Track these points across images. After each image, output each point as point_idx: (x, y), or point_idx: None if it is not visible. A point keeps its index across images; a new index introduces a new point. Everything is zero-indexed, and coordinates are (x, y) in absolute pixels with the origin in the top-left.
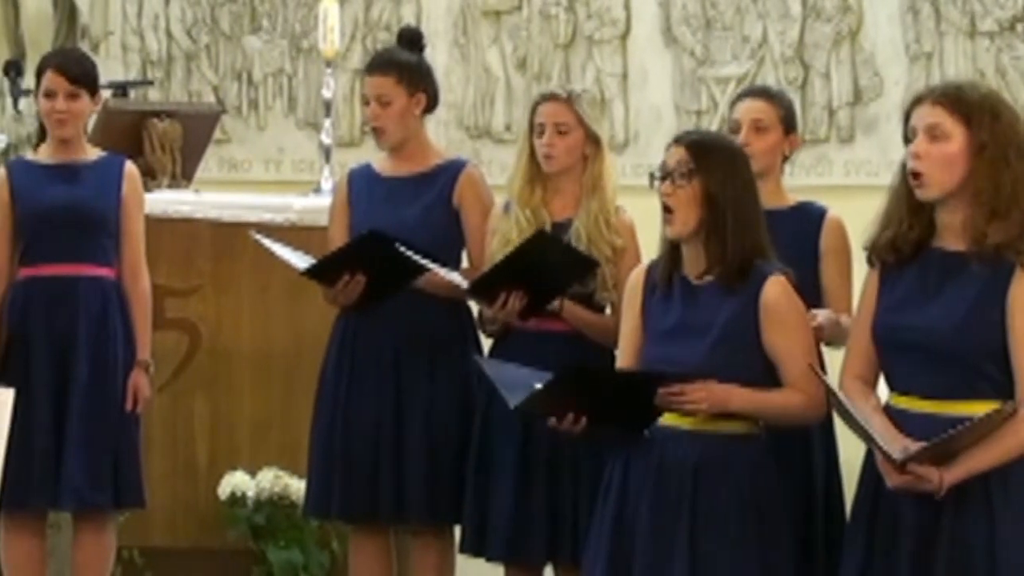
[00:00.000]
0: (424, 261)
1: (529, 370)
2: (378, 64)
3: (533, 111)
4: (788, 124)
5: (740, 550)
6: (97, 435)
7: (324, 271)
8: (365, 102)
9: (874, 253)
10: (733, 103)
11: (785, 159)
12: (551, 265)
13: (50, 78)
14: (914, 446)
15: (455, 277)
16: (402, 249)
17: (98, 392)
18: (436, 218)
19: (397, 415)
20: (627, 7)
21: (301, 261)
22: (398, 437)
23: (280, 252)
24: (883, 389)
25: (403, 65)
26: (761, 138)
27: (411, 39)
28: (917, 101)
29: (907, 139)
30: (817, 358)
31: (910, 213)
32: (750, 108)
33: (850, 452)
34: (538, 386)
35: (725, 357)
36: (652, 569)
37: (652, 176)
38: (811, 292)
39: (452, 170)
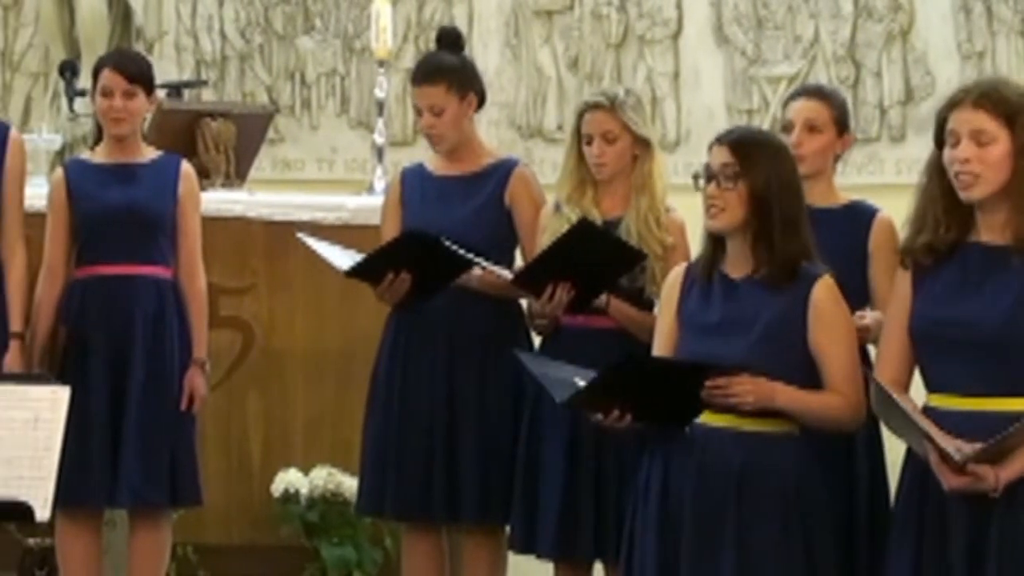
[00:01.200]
0: (468, 256)
1: (571, 366)
2: (425, 74)
3: (579, 119)
4: (841, 124)
5: (786, 550)
6: (153, 433)
7: (366, 271)
8: (418, 112)
9: (909, 256)
10: (786, 102)
11: (837, 159)
12: (597, 256)
13: (107, 77)
14: (968, 446)
15: (501, 270)
16: (447, 244)
17: (155, 391)
18: (488, 217)
19: (449, 413)
20: (679, 6)
21: (345, 261)
22: (450, 436)
23: (324, 252)
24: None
25: (450, 71)
26: (814, 138)
27: (451, 40)
28: (954, 104)
29: (939, 141)
30: (860, 361)
31: (946, 214)
32: (803, 108)
33: (896, 452)
34: (580, 383)
35: (767, 355)
36: (699, 569)
37: (696, 177)
38: (860, 292)
39: (504, 169)
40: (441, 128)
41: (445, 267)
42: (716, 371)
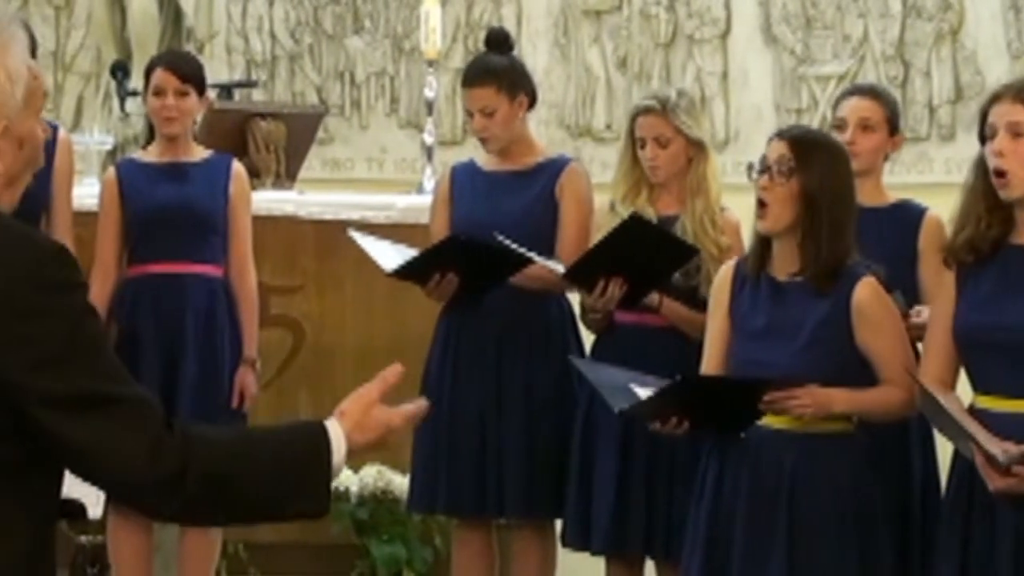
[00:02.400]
0: (522, 251)
1: (627, 371)
2: (475, 76)
3: (632, 121)
4: (893, 124)
5: (837, 551)
6: None
7: (411, 273)
8: (469, 114)
9: (951, 254)
10: (839, 101)
11: (887, 158)
12: (649, 251)
13: (160, 76)
14: (1015, 448)
15: (555, 264)
16: (502, 240)
17: (206, 389)
18: (539, 213)
19: (499, 411)
20: (727, 6)
21: (391, 261)
22: (501, 433)
23: (372, 251)
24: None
25: (500, 72)
26: (867, 137)
27: (500, 41)
28: (995, 98)
29: (983, 137)
30: (912, 356)
31: (988, 211)
32: (857, 107)
33: (948, 446)
34: (637, 389)
35: (816, 359)
36: (749, 570)
37: (750, 168)
38: (910, 290)
39: (556, 166)
40: (493, 129)
41: (496, 266)
42: (775, 384)
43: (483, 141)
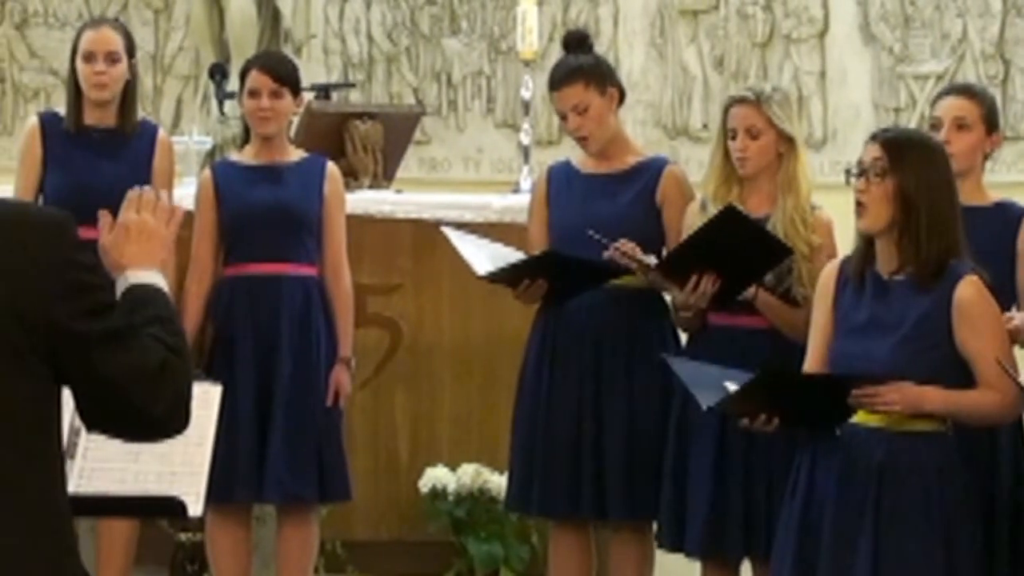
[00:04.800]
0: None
1: (718, 368)
2: (561, 76)
3: (725, 113)
4: (990, 123)
5: (925, 550)
6: (301, 429)
7: (504, 278)
8: (562, 116)
9: None
10: (935, 100)
11: (986, 157)
12: (743, 246)
13: (254, 77)
14: None
15: (647, 256)
16: (596, 236)
17: (301, 388)
18: (637, 215)
19: (597, 411)
20: (825, 5)
21: (483, 263)
22: (598, 433)
23: (465, 251)
24: None
25: (585, 68)
26: (963, 136)
27: (578, 42)
28: None
29: None
30: (1011, 359)
31: None
32: (952, 106)
33: None
34: (731, 387)
35: (914, 354)
36: (836, 568)
37: (848, 172)
38: (1009, 291)
39: (654, 168)
40: (588, 126)
41: (588, 276)
42: (863, 380)
43: (581, 142)
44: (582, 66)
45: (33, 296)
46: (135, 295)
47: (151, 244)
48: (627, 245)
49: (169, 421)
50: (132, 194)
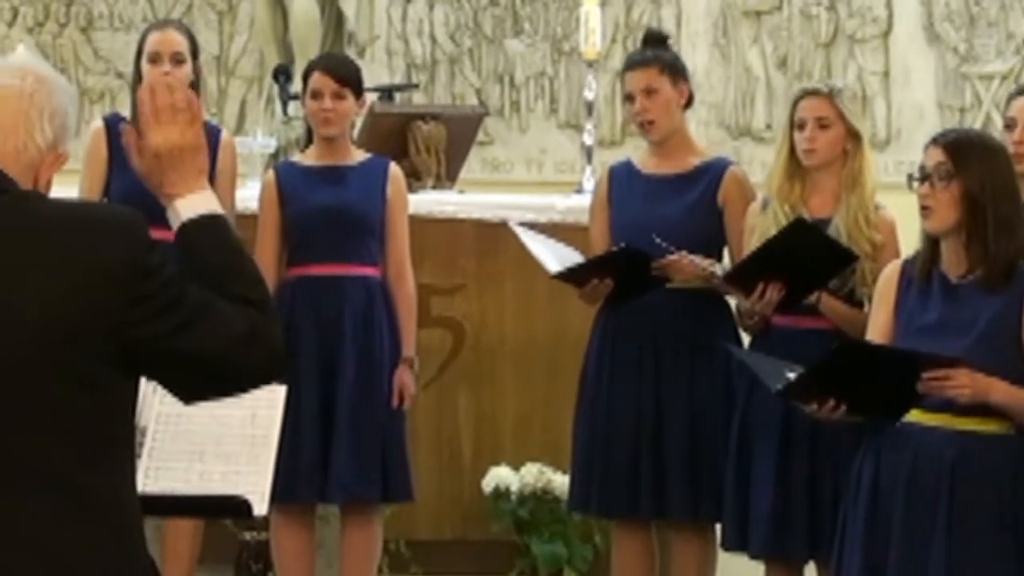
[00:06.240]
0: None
1: (781, 362)
2: (639, 58)
3: (794, 106)
4: None
5: (997, 551)
6: (364, 430)
7: (573, 277)
8: (629, 98)
9: None
10: (1009, 99)
11: None
12: (809, 256)
13: (317, 79)
14: None
15: (713, 264)
16: (660, 243)
17: (365, 388)
18: (699, 216)
19: (657, 411)
20: (888, 5)
21: (555, 262)
22: (658, 433)
23: (536, 250)
24: None
25: (663, 57)
26: None
27: (657, 41)
28: None
29: None
30: None
31: None
32: None
33: None
34: (791, 376)
35: (985, 355)
36: (907, 568)
37: (911, 177)
38: None
39: (716, 169)
40: (655, 111)
41: (652, 276)
42: (934, 362)
43: (644, 127)
44: (661, 55)
45: (104, 301)
46: (194, 240)
47: (187, 162)
48: (689, 258)
49: (266, 376)
50: (145, 95)
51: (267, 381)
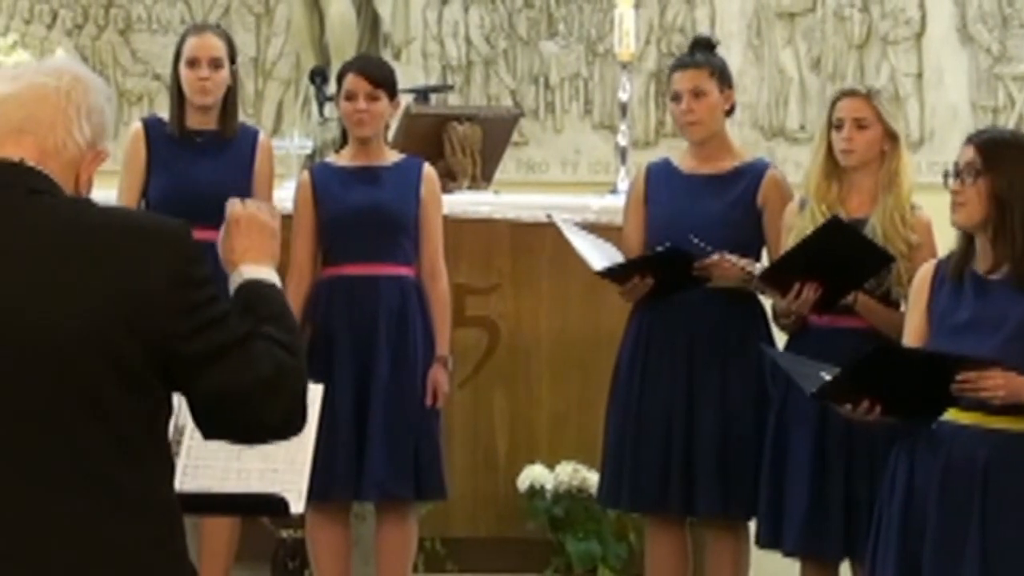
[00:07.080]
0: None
1: (816, 363)
2: (689, 60)
3: (832, 107)
4: None
5: None
6: (398, 428)
7: (618, 274)
8: (676, 98)
9: None
10: None
11: None
12: (846, 256)
13: (351, 80)
14: None
15: (750, 263)
16: (697, 242)
17: (398, 387)
18: (738, 217)
19: (689, 409)
20: (922, 6)
21: (598, 259)
22: (689, 431)
23: (579, 244)
24: None
25: (714, 62)
26: None
27: (705, 45)
28: None
29: None
30: None
31: None
32: None
33: None
34: (827, 377)
35: (1017, 354)
36: (942, 567)
37: (946, 174)
38: None
39: (755, 171)
40: (700, 112)
41: (692, 278)
42: (967, 364)
43: (687, 127)
44: (712, 59)
45: (148, 312)
46: (249, 293)
47: (261, 237)
48: (730, 259)
49: (286, 426)
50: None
51: (287, 431)
